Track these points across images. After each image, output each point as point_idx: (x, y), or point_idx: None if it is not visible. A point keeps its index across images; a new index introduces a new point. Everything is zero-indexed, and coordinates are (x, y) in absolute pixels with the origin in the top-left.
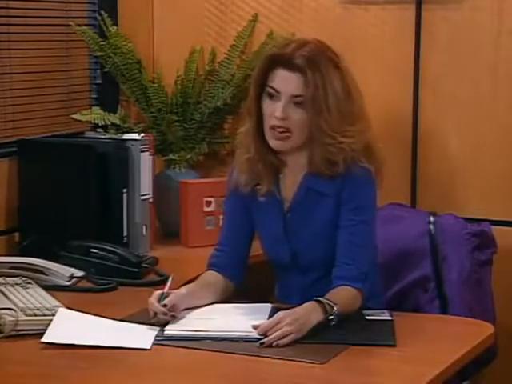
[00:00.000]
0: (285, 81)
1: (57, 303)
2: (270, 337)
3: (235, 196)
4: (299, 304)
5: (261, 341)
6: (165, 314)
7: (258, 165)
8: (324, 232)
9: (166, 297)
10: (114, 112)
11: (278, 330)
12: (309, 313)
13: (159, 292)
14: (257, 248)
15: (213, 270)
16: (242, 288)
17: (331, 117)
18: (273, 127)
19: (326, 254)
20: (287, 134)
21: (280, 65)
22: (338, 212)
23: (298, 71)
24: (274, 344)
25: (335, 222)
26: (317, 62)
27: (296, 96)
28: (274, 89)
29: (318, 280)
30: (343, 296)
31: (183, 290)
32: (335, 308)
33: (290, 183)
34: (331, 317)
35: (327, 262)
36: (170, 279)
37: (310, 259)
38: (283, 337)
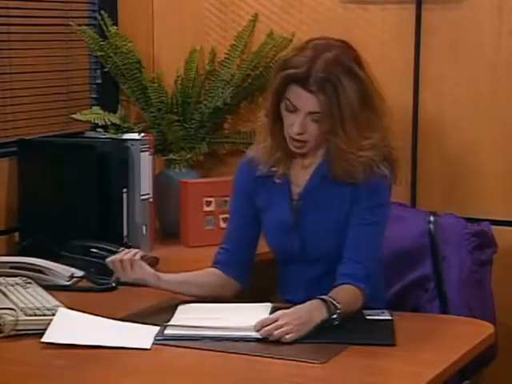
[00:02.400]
0: (301, 99)
1: (57, 303)
2: (266, 328)
3: (244, 192)
4: (303, 300)
5: (257, 334)
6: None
7: (276, 152)
8: (337, 223)
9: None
10: (114, 112)
11: (276, 328)
12: (311, 311)
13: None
14: (257, 248)
15: (216, 267)
16: (244, 287)
17: (348, 134)
18: (291, 137)
19: (335, 247)
20: (305, 143)
21: (296, 82)
22: (352, 205)
23: (312, 92)
24: (271, 338)
25: (349, 214)
26: (332, 79)
27: (313, 113)
28: (292, 103)
29: (324, 274)
30: (347, 295)
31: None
32: (339, 307)
33: (304, 169)
34: (334, 316)
35: (336, 256)
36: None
37: (320, 251)
38: (283, 335)
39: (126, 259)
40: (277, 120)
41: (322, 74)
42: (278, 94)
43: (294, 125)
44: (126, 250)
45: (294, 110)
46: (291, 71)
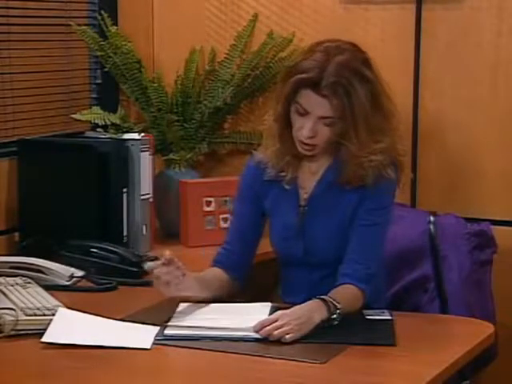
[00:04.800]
0: (313, 103)
1: (57, 303)
2: (266, 329)
3: (249, 190)
4: (304, 302)
5: (257, 334)
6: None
7: (285, 156)
8: (341, 229)
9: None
10: (114, 112)
11: (276, 328)
12: (311, 311)
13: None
14: (257, 247)
15: (217, 266)
16: (242, 288)
17: (360, 139)
18: (300, 141)
19: (339, 252)
20: (315, 146)
21: (307, 87)
22: (356, 210)
23: (325, 96)
24: (271, 338)
25: (353, 220)
26: (344, 83)
27: (325, 117)
28: (303, 107)
29: (326, 277)
30: (347, 295)
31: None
32: (339, 307)
33: (312, 175)
34: (334, 316)
35: (339, 260)
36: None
37: (323, 256)
38: (283, 335)
39: (172, 276)
40: (286, 124)
41: (334, 78)
42: (288, 99)
43: (304, 128)
44: (166, 261)
45: (304, 113)
46: (303, 76)
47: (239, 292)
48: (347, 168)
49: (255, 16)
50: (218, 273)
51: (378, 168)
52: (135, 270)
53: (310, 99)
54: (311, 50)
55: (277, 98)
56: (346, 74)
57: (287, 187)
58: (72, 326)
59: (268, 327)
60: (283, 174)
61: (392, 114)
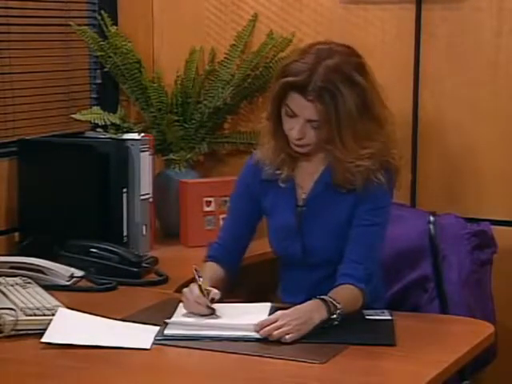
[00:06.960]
0: (300, 106)
1: (57, 303)
2: (266, 329)
3: (246, 188)
4: (304, 302)
5: (257, 334)
6: (207, 307)
7: (280, 153)
8: (339, 229)
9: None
10: (114, 112)
11: (276, 328)
12: (311, 311)
13: (195, 284)
14: (257, 248)
15: (212, 261)
16: (242, 288)
17: (345, 144)
18: (291, 141)
19: (337, 252)
20: (306, 146)
21: (295, 90)
22: (353, 211)
23: (311, 101)
24: (271, 338)
25: (350, 220)
26: (330, 88)
27: (311, 121)
28: (291, 110)
29: (325, 278)
30: (346, 295)
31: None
32: (339, 307)
33: (308, 175)
34: (334, 316)
35: (338, 261)
36: (195, 272)
37: (322, 256)
38: (283, 335)
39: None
40: (279, 123)
41: (321, 84)
42: (278, 100)
43: (293, 129)
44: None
45: (293, 115)
46: (290, 79)
47: (238, 292)
48: (336, 171)
49: (255, 16)
50: (215, 268)
51: (367, 173)
52: (135, 269)
53: (297, 102)
54: (304, 51)
55: (269, 97)
56: (333, 78)
57: (282, 185)
58: (72, 326)
59: (268, 327)
60: (279, 172)
61: (385, 120)
